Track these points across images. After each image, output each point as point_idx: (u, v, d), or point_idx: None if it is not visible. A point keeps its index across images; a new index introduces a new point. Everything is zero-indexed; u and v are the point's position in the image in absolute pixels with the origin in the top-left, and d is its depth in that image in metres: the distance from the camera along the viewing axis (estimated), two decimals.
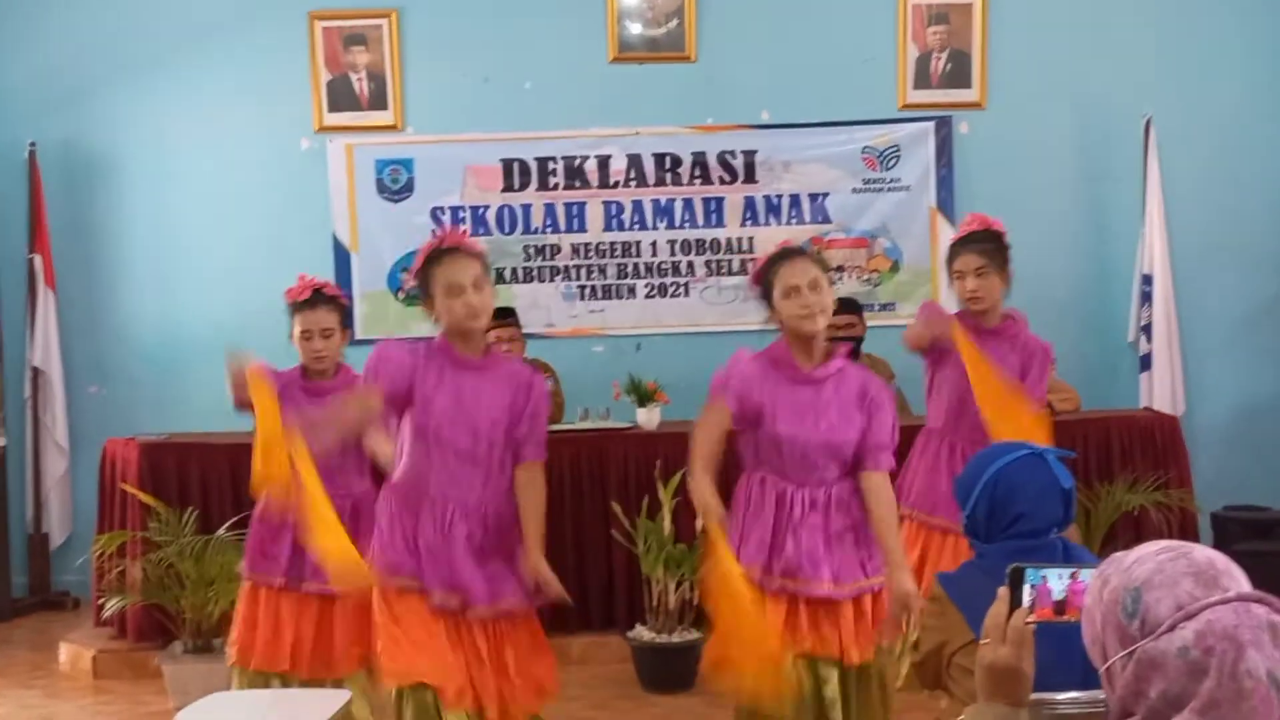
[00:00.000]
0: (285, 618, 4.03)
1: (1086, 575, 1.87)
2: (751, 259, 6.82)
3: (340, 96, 6.84)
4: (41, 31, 6.77)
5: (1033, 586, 1.92)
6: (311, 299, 4.02)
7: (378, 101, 6.85)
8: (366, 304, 6.79)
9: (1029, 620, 1.90)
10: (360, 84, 6.85)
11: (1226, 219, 6.78)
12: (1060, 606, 1.93)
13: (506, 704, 3.42)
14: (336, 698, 3.56)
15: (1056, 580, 1.93)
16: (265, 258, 6.72)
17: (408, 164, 6.87)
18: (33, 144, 6.66)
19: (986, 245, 4.18)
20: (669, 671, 5.27)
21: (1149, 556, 1.60)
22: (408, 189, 6.87)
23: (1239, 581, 1.55)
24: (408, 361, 3.38)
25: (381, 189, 6.87)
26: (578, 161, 6.89)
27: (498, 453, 3.44)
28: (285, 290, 4.13)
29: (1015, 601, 1.92)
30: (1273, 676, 1.47)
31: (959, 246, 4.24)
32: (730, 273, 6.92)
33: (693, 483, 3.42)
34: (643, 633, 5.36)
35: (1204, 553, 1.59)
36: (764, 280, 3.53)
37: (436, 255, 3.43)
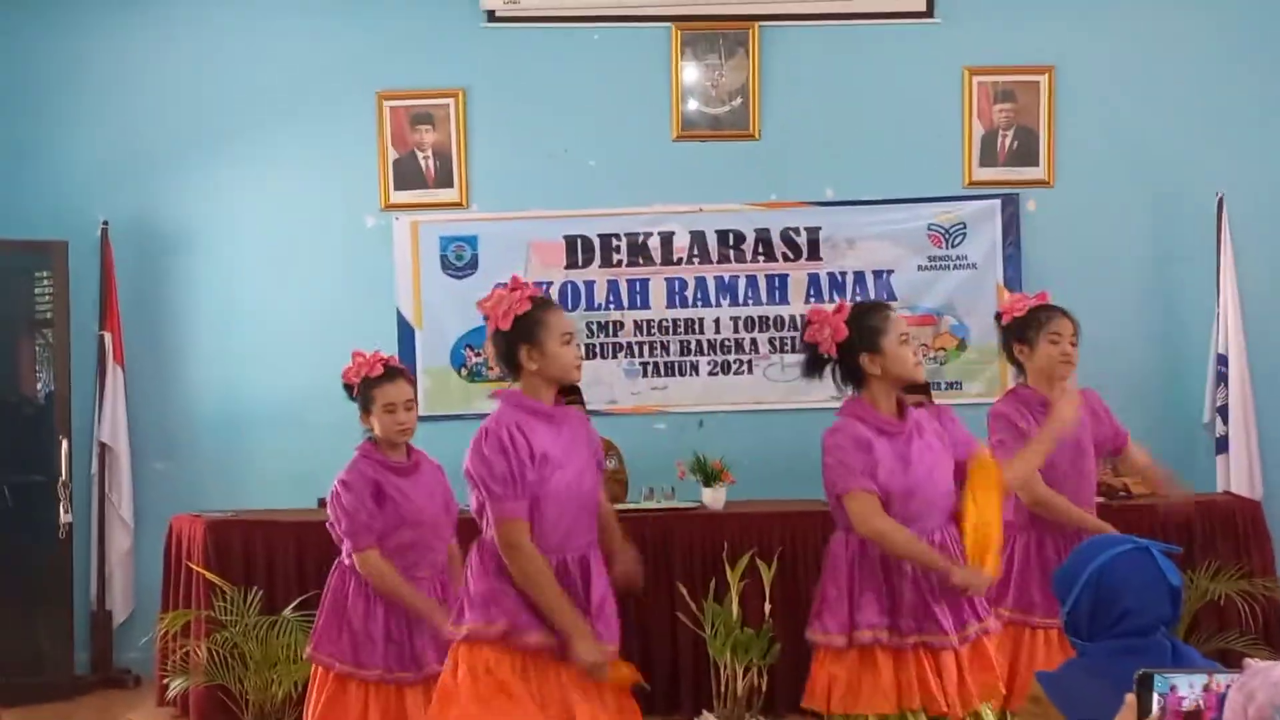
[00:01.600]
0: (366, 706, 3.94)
1: (1221, 684, 1.79)
2: None
3: (406, 174, 6.89)
4: (114, 109, 6.88)
5: (1161, 694, 1.84)
6: (389, 372, 4.01)
7: (443, 179, 6.89)
8: (430, 380, 6.77)
9: None
10: (426, 162, 6.90)
11: None
12: (1193, 716, 1.84)
13: None
14: None
15: (1187, 688, 1.85)
16: (330, 334, 6.73)
17: (472, 241, 6.90)
18: (105, 222, 6.75)
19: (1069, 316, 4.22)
20: None
21: None
22: (472, 266, 6.89)
23: None
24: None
25: (446, 265, 6.89)
26: (641, 238, 6.89)
27: None
28: (348, 370, 4.10)
29: (1143, 711, 1.84)
30: None
31: (1053, 310, 4.21)
32: (794, 350, 6.85)
33: (913, 546, 3.42)
34: (709, 718, 5.26)
35: None
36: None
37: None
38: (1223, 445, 6.45)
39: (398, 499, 3.94)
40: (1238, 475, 6.35)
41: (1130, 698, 1.85)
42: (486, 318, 3.43)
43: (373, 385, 3.98)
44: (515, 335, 3.36)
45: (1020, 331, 4.21)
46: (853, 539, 3.49)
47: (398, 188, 6.88)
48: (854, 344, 3.48)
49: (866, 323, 3.50)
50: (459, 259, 6.90)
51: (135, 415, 6.78)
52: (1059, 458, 4.02)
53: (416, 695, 3.85)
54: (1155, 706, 1.84)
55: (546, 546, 3.32)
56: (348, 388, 4.06)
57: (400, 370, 4.09)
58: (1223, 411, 6.45)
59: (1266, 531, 5.68)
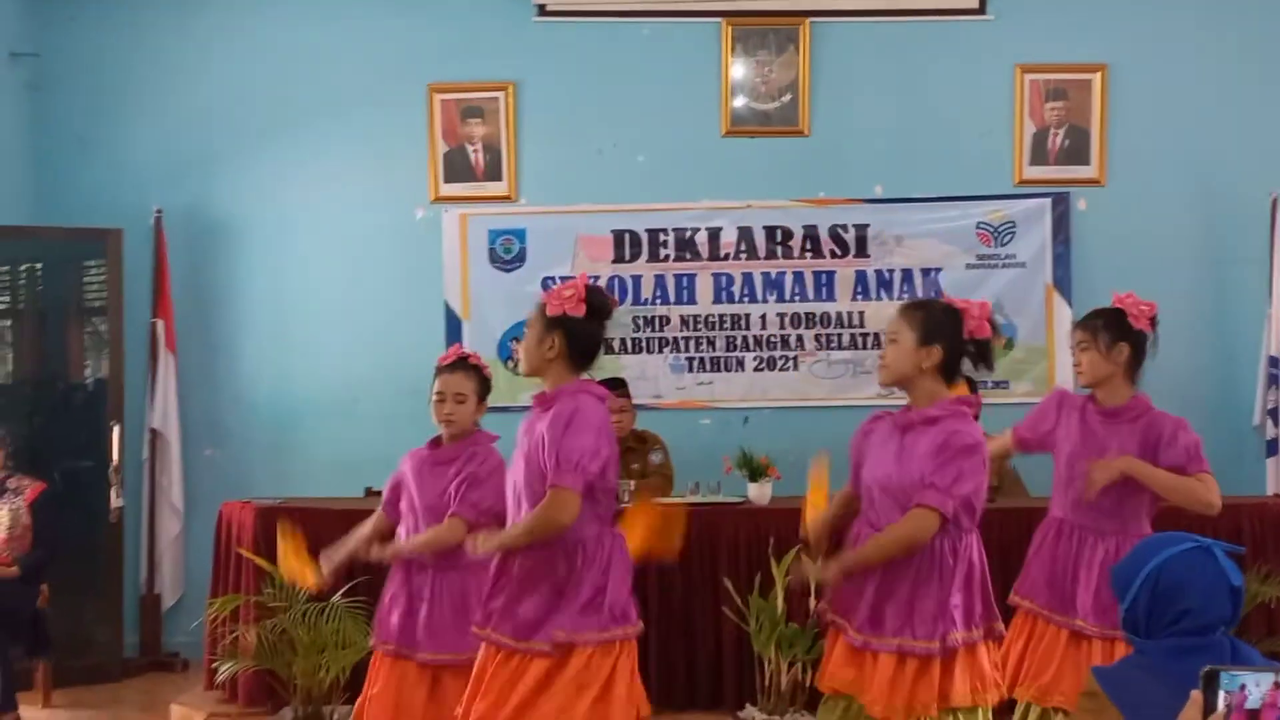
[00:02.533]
0: (400, 686, 4.01)
1: None
2: (862, 333, 6.78)
3: (456, 167, 6.93)
4: (170, 101, 6.96)
5: (1229, 692, 1.83)
6: (452, 364, 4.08)
7: (492, 173, 6.93)
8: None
9: None
10: (476, 155, 6.93)
11: None
12: (1256, 715, 1.84)
13: None
14: None
15: (1254, 687, 1.84)
16: (379, 324, 6.82)
17: (520, 234, 6.93)
18: (159, 210, 6.82)
19: (1094, 320, 4.08)
20: None
21: None
22: (519, 259, 6.92)
23: None
24: None
25: (494, 258, 6.93)
26: (688, 233, 6.89)
27: None
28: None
29: (1209, 708, 1.84)
30: None
31: (1077, 322, 4.21)
32: (840, 347, 6.86)
33: None
34: (754, 713, 5.26)
35: None
36: None
37: None
38: (1273, 448, 6.41)
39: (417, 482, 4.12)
40: None
41: (1196, 694, 1.84)
42: (548, 303, 3.55)
43: (436, 374, 4.10)
44: (602, 329, 3.60)
45: None
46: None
47: (447, 180, 6.92)
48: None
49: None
50: (507, 252, 6.93)
51: (186, 402, 6.85)
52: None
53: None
54: (1221, 704, 1.82)
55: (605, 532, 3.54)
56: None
57: (466, 364, 4.12)
58: (1274, 414, 6.40)
59: None
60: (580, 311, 3.53)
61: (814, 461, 3.98)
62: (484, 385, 4.15)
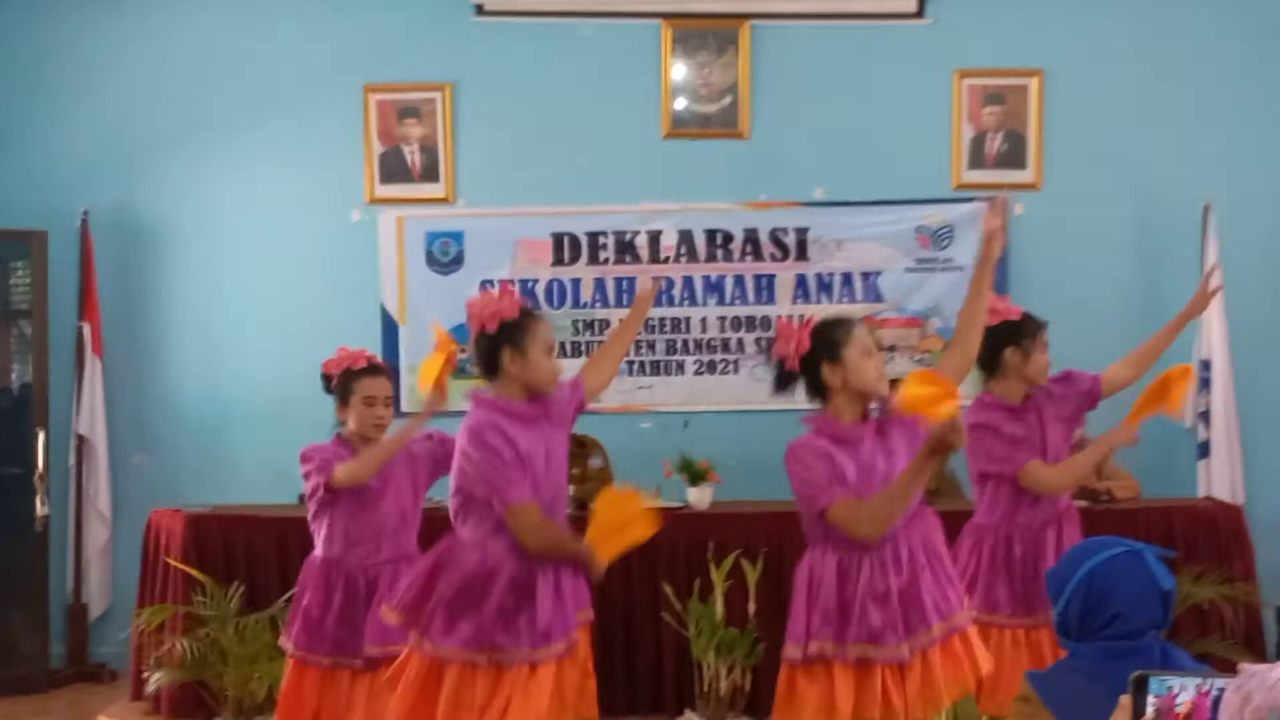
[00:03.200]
0: (333, 698, 3.96)
1: (1215, 686, 1.78)
2: None
3: (392, 168, 6.84)
4: (98, 99, 6.81)
5: (1157, 696, 1.83)
6: (372, 367, 4.05)
7: (430, 174, 6.85)
8: (413, 376, 6.70)
9: None
10: (413, 156, 6.86)
11: None
12: (1186, 719, 1.83)
13: None
14: None
15: (1182, 690, 1.83)
16: (313, 328, 6.69)
17: (458, 236, 6.86)
18: (85, 211, 6.68)
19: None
20: None
21: None
22: (458, 261, 6.85)
23: None
24: None
25: (431, 261, 6.85)
26: (628, 236, 6.86)
27: None
28: (329, 362, 4.14)
29: (1138, 711, 1.83)
30: None
31: (1040, 323, 4.24)
32: None
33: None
34: (692, 718, 5.23)
35: None
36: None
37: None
38: (1205, 450, 6.46)
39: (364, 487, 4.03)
40: (1220, 480, 6.36)
41: (1125, 699, 1.84)
42: (471, 317, 3.53)
43: (355, 377, 4.05)
44: (501, 338, 3.49)
45: (1014, 336, 4.19)
46: (829, 556, 3.45)
47: (383, 182, 6.83)
48: (816, 356, 3.45)
49: (829, 335, 3.46)
50: (445, 254, 6.86)
51: (113, 407, 6.71)
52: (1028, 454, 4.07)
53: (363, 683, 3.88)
54: (1150, 708, 1.82)
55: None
56: (326, 379, 4.10)
57: (383, 367, 4.13)
58: (1205, 417, 6.46)
59: (1248, 537, 5.68)
60: (490, 325, 3.58)
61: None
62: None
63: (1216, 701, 1.75)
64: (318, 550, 4.10)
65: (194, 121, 6.82)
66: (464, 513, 3.49)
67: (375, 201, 6.83)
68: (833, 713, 3.36)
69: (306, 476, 4.04)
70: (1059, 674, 2.59)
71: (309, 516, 4.10)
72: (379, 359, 4.23)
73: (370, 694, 3.95)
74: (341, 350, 4.17)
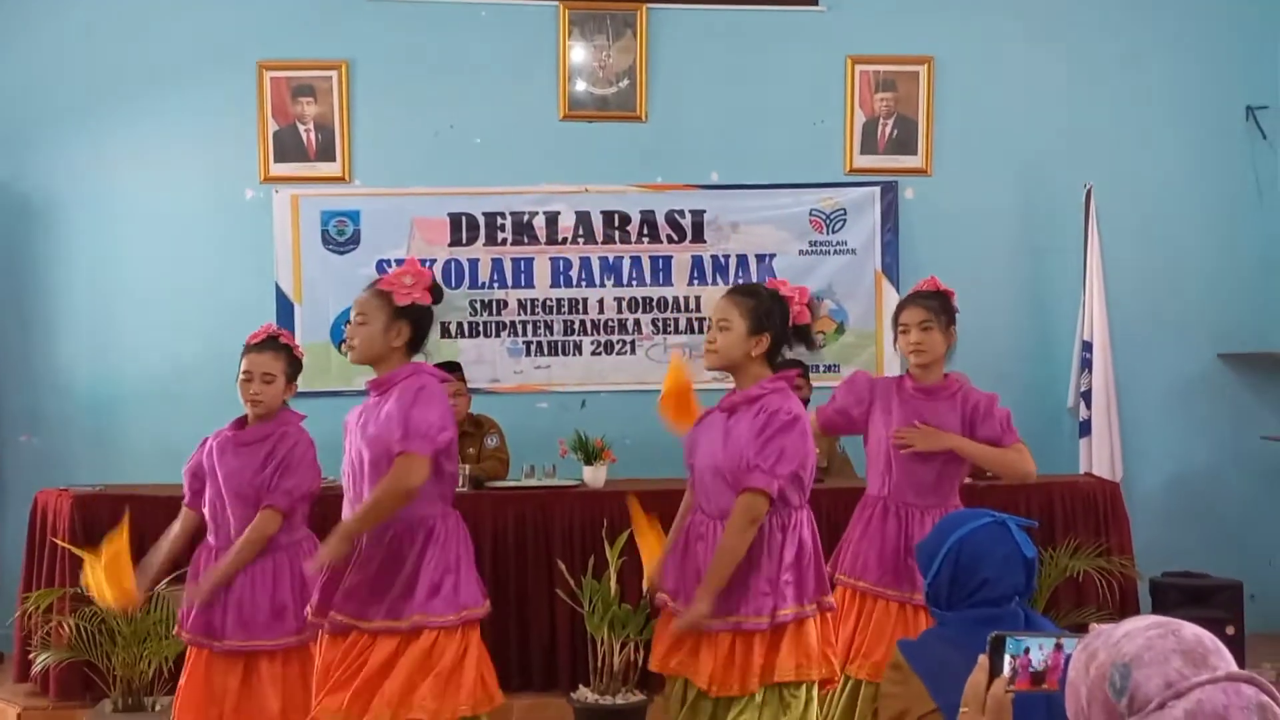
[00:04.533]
0: (207, 675, 3.93)
1: (1068, 646, 1.87)
2: (699, 317, 6.85)
3: (287, 147, 6.78)
4: None
5: (1013, 656, 1.91)
6: (261, 343, 4.01)
7: (325, 153, 6.80)
8: (308, 356, 6.60)
9: (1009, 690, 1.90)
10: (308, 135, 6.80)
11: (1163, 289, 6.91)
12: (1039, 677, 1.92)
13: None
14: None
15: (1037, 651, 1.92)
16: (206, 307, 6.64)
17: (354, 216, 6.82)
18: None
19: (932, 302, 4.22)
20: None
21: (1138, 632, 1.59)
22: (354, 241, 6.82)
23: (1227, 660, 1.55)
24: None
25: (327, 241, 6.81)
26: (526, 217, 6.88)
27: None
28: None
29: (995, 670, 1.91)
30: None
31: (906, 301, 4.28)
32: (677, 331, 6.93)
33: None
34: (586, 694, 5.29)
35: (1192, 630, 1.59)
36: None
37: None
38: (1085, 429, 6.67)
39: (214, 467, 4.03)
40: (1099, 458, 6.57)
41: (983, 658, 1.92)
42: (395, 292, 3.59)
43: (244, 353, 4.01)
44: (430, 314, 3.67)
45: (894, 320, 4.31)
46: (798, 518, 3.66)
47: (278, 160, 6.77)
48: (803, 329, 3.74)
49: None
50: (340, 234, 6.82)
51: (1, 387, 6.59)
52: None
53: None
54: (1007, 667, 1.90)
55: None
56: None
57: (269, 343, 4.05)
58: (1086, 396, 6.66)
59: (1124, 512, 5.89)
60: (428, 300, 3.65)
61: (631, 505, 4.09)
62: (294, 366, 4.11)
63: (1069, 660, 1.84)
64: (211, 539, 4.05)
65: (85, 97, 6.70)
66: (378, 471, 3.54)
67: (270, 180, 6.77)
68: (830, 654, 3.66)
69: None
70: (928, 642, 2.69)
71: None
72: (286, 335, 4.17)
73: (276, 678, 3.93)
74: (266, 327, 4.20)
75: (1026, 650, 1.92)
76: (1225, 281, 6.91)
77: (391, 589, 3.50)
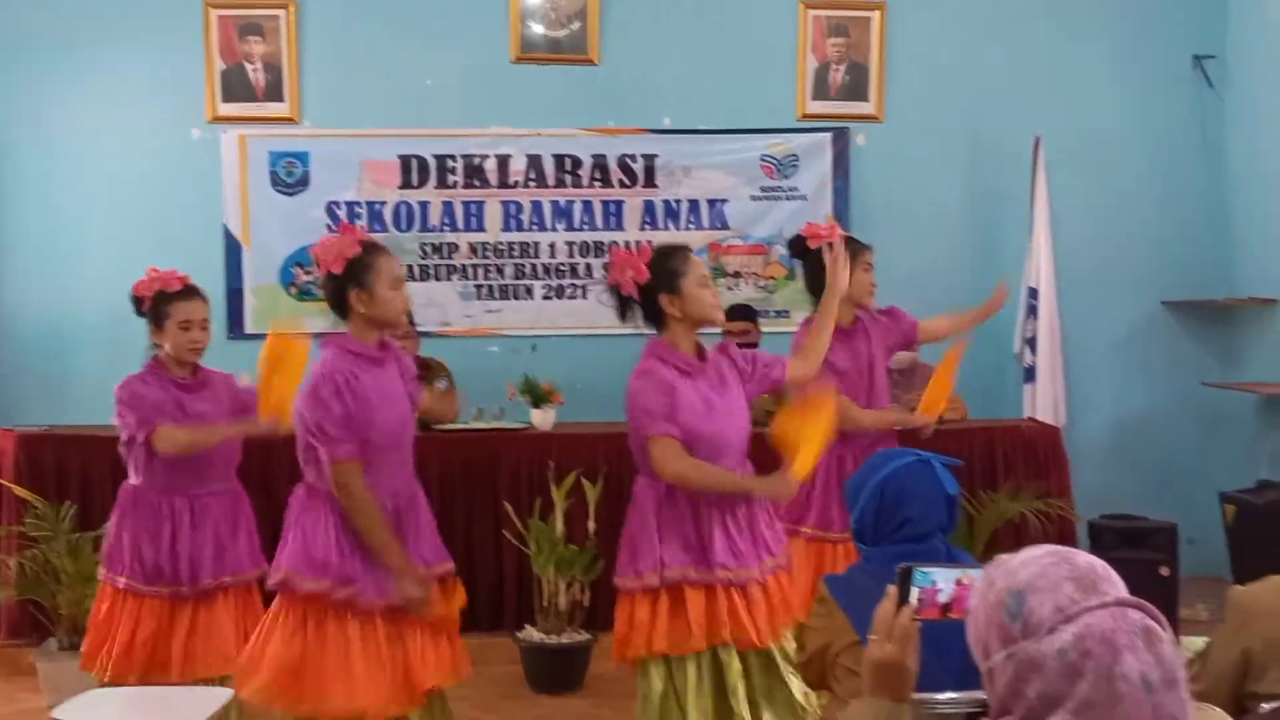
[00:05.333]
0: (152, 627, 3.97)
1: (973, 577, 1.92)
2: None
3: (235, 87, 6.71)
4: None
5: (920, 586, 1.97)
6: (187, 290, 3.99)
7: (273, 93, 6.74)
8: (258, 299, 6.66)
9: (915, 618, 1.95)
10: (256, 75, 6.73)
11: (1108, 238, 6.97)
12: (946, 607, 1.98)
13: None
14: (217, 696, 3.51)
15: (944, 581, 1.98)
16: (153, 249, 6.49)
17: (303, 157, 6.78)
18: None
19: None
20: (557, 672, 5.28)
21: (1033, 560, 1.65)
22: (303, 183, 6.77)
23: (1117, 587, 1.60)
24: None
25: (275, 182, 6.76)
26: (477, 160, 6.85)
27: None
28: (140, 284, 4.07)
29: (903, 600, 1.97)
30: (1145, 680, 1.52)
31: (862, 246, 4.39)
32: None
33: (716, 477, 3.51)
34: (532, 633, 5.35)
35: (1085, 558, 1.64)
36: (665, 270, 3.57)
37: None
38: (1030, 375, 6.75)
39: (186, 414, 3.99)
40: (1043, 403, 6.66)
41: (891, 589, 1.97)
42: (318, 262, 3.50)
43: (169, 300, 3.98)
44: (346, 279, 3.44)
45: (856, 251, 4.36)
46: (658, 482, 3.55)
47: (225, 100, 6.70)
48: (654, 285, 3.55)
49: (666, 265, 3.56)
50: (289, 175, 6.77)
51: None
52: (852, 379, 4.26)
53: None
54: (914, 597, 1.96)
55: (377, 487, 3.43)
56: (137, 301, 4.02)
57: (198, 290, 4.07)
58: (1032, 343, 6.73)
59: (1065, 456, 5.98)
60: (335, 267, 3.49)
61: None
62: None
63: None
64: (134, 479, 4.06)
65: (30, 37, 6.59)
66: (306, 456, 3.50)
67: (217, 120, 6.70)
68: (687, 634, 3.49)
69: (120, 416, 3.98)
70: (852, 576, 2.75)
71: (121, 446, 4.04)
72: (191, 281, 4.14)
73: (198, 623, 3.97)
74: (151, 271, 4.07)
75: (933, 581, 1.97)
76: (1170, 230, 6.98)
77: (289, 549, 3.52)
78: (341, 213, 6.77)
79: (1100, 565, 1.63)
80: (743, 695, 3.50)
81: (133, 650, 3.90)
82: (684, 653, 3.49)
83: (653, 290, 3.56)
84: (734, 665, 3.51)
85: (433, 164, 6.83)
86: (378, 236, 6.70)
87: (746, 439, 3.63)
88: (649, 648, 3.50)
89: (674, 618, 3.50)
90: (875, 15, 6.90)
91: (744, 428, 3.63)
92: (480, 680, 5.25)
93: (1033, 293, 6.74)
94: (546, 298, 6.93)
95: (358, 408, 3.38)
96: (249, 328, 6.64)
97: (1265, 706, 2.52)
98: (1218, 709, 1.83)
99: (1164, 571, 5.65)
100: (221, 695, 3.51)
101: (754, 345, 5.99)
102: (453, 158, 6.83)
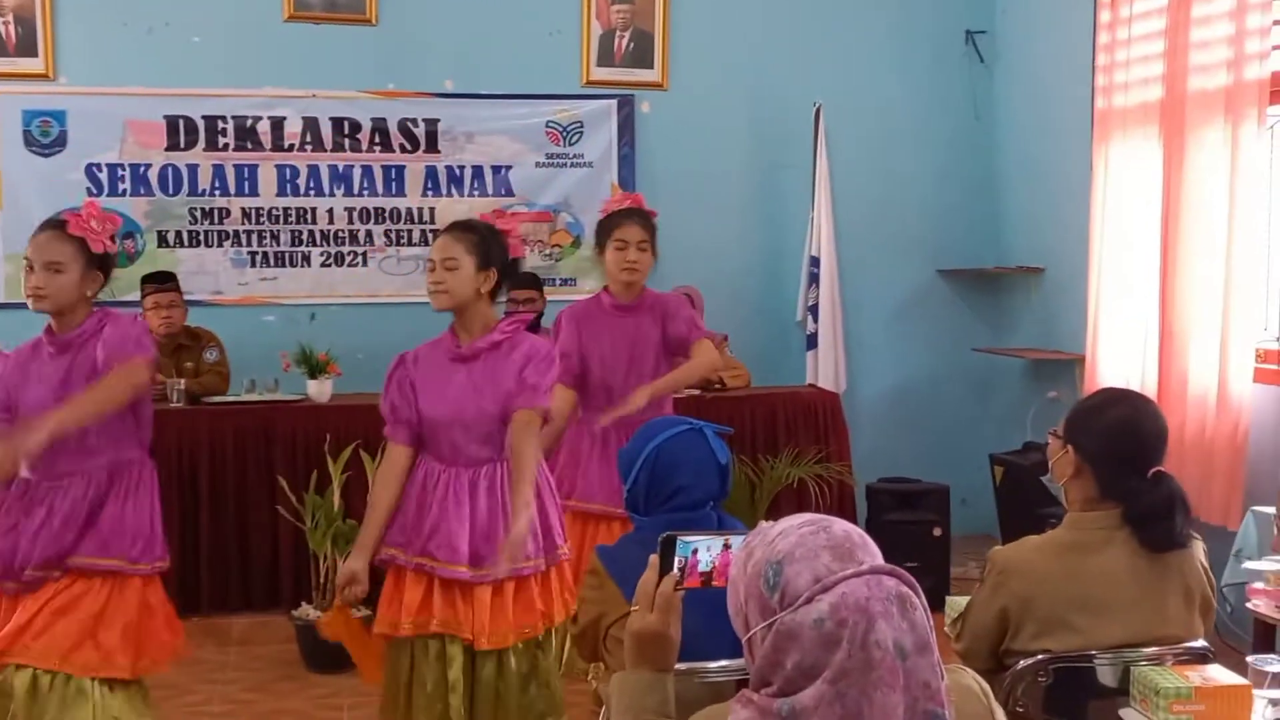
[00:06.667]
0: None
1: (736, 545, 1.89)
2: (433, 230, 6.71)
3: None
4: None
5: (683, 556, 1.93)
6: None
7: (26, 47, 6.32)
8: (11, 266, 6.25)
9: (678, 588, 1.92)
10: (6, 28, 6.30)
11: (886, 208, 7.13)
12: (709, 576, 1.95)
13: None
14: None
15: (706, 551, 1.95)
16: None
17: (59, 116, 6.38)
18: None
19: (649, 223, 4.26)
20: (335, 651, 5.10)
21: (792, 530, 1.62)
22: (60, 143, 6.38)
23: (873, 555, 1.59)
24: None
25: (30, 142, 6.35)
26: (249, 122, 6.56)
27: None
28: None
29: (665, 570, 1.93)
30: (899, 646, 1.51)
31: (622, 217, 4.24)
32: (410, 243, 6.77)
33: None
34: (309, 611, 5.18)
35: (842, 526, 1.62)
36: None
37: None
38: (812, 342, 6.86)
39: None
40: (825, 370, 6.78)
41: (654, 558, 1.93)
42: (89, 238, 3.33)
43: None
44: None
45: (597, 233, 4.29)
46: (418, 467, 3.55)
47: None
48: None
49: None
50: (45, 135, 6.37)
51: None
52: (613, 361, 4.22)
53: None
54: (676, 566, 1.92)
55: None
56: None
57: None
58: (814, 310, 6.84)
59: (844, 421, 6.11)
60: (114, 249, 3.39)
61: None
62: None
63: None
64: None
65: None
66: None
67: None
68: (398, 619, 3.46)
69: None
70: (623, 546, 2.71)
71: None
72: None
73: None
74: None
75: (695, 551, 1.94)
76: (944, 201, 7.18)
77: (95, 531, 3.32)
78: (103, 175, 6.41)
79: (857, 533, 1.62)
80: (461, 692, 3.42)
81: None
82: (394, 635, 3.47)
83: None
84: (457, 659, 3.43)
85: (201, 125, 6.51)
86: (143, 200, 6.44)
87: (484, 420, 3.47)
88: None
89: (389, 601, 3.49)
90: None
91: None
92: (253, 661, 5.10)
93: (814, 261, 6.84)
94: (325, 265, 6.71)
95: None
96: (4, 297, 6.25)
97: (1023, 663, 2.59)
98: (970, 670, 1.84)
99: (937, 532, 5.84)
100: None
101: (539, 314, 5.92)
102: (223, 119, 6.53)
